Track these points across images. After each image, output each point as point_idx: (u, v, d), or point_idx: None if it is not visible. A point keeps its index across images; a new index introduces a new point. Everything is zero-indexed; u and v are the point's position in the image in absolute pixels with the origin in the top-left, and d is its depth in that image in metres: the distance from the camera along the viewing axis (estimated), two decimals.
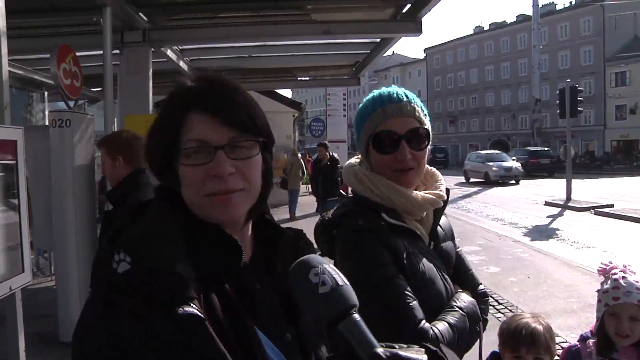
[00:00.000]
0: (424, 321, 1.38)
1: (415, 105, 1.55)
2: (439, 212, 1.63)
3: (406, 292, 1.40)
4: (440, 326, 1.39)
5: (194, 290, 0.78)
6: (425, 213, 1.58)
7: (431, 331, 1.36)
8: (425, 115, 1.58)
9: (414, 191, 1.54)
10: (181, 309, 0.75)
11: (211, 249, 0.86)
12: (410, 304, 1.39)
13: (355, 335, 0.82)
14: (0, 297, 2.82)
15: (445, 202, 1.64)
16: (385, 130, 1.52)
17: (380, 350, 0.80)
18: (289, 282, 0.89)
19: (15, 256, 2.96)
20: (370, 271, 1.43)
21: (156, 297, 0.75)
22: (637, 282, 2.03)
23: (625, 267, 2.11)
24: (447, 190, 1.66)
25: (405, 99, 1.54)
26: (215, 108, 0.90)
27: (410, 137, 1.51)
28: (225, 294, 0.84)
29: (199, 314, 0.76)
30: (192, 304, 0.76)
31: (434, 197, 1.57)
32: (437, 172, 1.70)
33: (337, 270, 0.90)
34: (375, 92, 1.61)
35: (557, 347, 5.24)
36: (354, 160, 1.71)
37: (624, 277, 2.04)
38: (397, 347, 0.85)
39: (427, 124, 1.57)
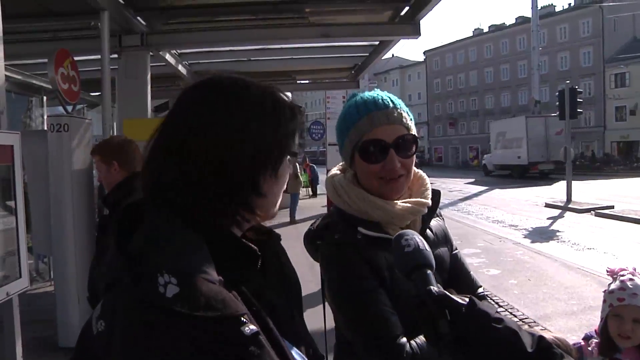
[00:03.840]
0: (401, 336, 1.33)
1: (402, 111, 1.50)
2: (428, 216, 1.59)
3: (384, 306, 1.37)
4: (420, 341, 1.34)
5: (242, 304, 0.76)
6: (410, 220, 1.53)
7: (407, 347, 1.32)
8: (411, 119, 1.53)
9: (394, 201, 1.50)
10: (247, 328, 0.71)
11: (230, 257, 0.83)
12: (387, 319, 1.36)
13: (422, 282, 1.09)
14: None
15: (435, 206, 1.61)
16: (373, 139, 1.47)
17: (433, 288, 1.08)
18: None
19: (12, 261, 2.95)
20: (348, 285, 1.41)
21: (215, 318, 0.70)
22: None
23: (635, 269, 2.10)
24: (438, 193, 1.63)
25: (391, 105, 1.49)
26: None
27: (398, 145, 1.46)
28: (250, 302, 0.81)
29: (257, 328, 0.73)
30: (244, 319, 0.73)
31: (414, 205, 1.51)
32: (425, 177, 1.65)
33: (423, 240, 1.17)
34: (358, 97, 1.55)
35: None
36: (336, 169, 1.67)
37: (631, 279, 2.03)
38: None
39: (414, 130, 1.52)
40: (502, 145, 35.54)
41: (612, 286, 2.07)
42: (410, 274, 1.12)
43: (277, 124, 0.91)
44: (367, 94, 1.54)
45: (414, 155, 1.52)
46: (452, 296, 1.08)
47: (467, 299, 1.09)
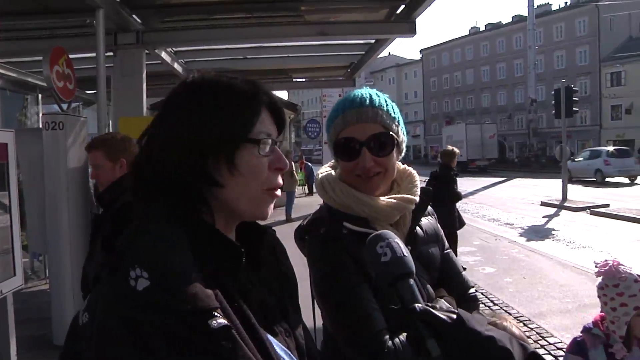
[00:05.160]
0: (383, 332, 1.32)
1: (379, 110, 1.49)
2: (418, 213, 1.58)
3: (367, 302, 1.36)
4: (403, 337, 1.31)
5: (215, 299, 0.76)
6: (398, 217, 1.53)
7: (389, 343, 1.29)
8: (394, 118, 1.51)
9: (380, 197, 1.50)
10: (215, 321, 0.72)
11: (213, 253, 0.84)
12: (370, 314, 1.34)
13: (405, 294, 1.07)
14: None
15: (425, 204, 1.61)
16: (346, 137, 1.48)
17: (417, 305, 1.06)
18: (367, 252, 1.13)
19: (6, 260, 2.95)
20: (331, 280, 1.41)
21: (184, 312, 0.71)
22: None
23: (619, 263, 2.16)
24: (429, 191, 1.63)
25: (367, 103, 1.49)
26: (276, 108, 0.98)
27: (371, 143, 1.46)
28: (232, 298, 0.82)
29: (228, 323, 0.74)
30: (216, 314, 0.74)
31: (400, 201, 1.51)
32: (414, 173, 1.65)
33: (400, 243, 1.13)
34: (340, 98, 1.57)
35: (552, 347, 5.22)
36: (327, 166, 1.68)
37: (632, 275, 2.10)
38: (437, 306, 1.14)
39: (395, 128, 1.51)
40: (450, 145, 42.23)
41: (630, 290, 2.09)
42: (391, 285, 1.10)
43: (220, 110, 0.90)
44: (351, 93, 1.55)
45: (392, 154, 1.50)
46: (438, 313, 1.06)
47: (455, 316, 1.08)
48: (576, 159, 28.29)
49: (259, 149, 0.91)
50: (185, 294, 0.73)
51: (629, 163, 26.22)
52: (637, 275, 2.11)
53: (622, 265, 2.15)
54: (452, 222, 7.66)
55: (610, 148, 27.51)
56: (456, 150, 8.22)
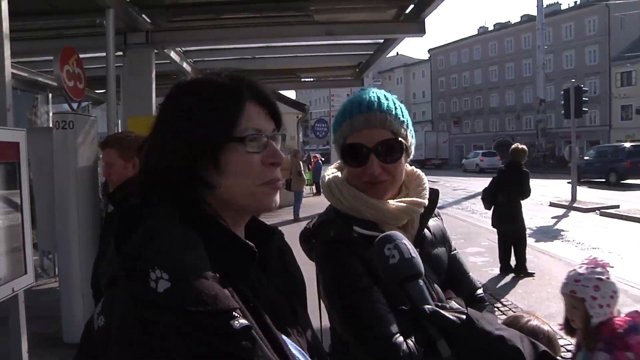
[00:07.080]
0: (397, 335, 1.29)
1: (388, 115, 1.45)
2: (425, 216, 1.56)
3: (379, 304, 1.34)
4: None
5: (233, 299, 0.76)
6: (406, 220, 1.51)
7: (404, 346, 1.27)
8: (403, 122, 1.48)
9: (388, 201, 1.48)
10: (237, 322, 0.72)
11: (226, 253, 0.84)
12: (383, 317, 1.32)
13: (414, 295, 1.09)
14: (3, 298, 2.83)
15: (433, 206, 1.59)
16: (353, 143, 1.46)
17: (427, 307, 1.07)
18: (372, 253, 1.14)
19: (17, 257, 2.97)
20: (341, 284, 1.39)
21: (206, 313, 0.71)
22: (583, 274, 2.22)
23: (598, 261, 2.28)
24: (436, 192, 1.61)
25: (375, 107, 1.45)
26: (267, 100, 0.96)
27: (379, 149, 1.43)
28: (246, 298, 0.82)
29: (248, 323, 0.74)
30: (236, 314, 0.74)
31: (409, 205, 1.48)
32: (422, 176, 1.62)
33: (408, 244, 1.14)
34: (348, 99, 1.54)
35: (562, 349, 5.18)
36: (333, 167, 1.66)
37: (573, 271, 2.26)
38: (447, 306, 1.15)
39: (404, 133, 1.48)
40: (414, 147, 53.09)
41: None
42: (400, 287, 1.09)
43: (200, 111, 0.89)
44: (357, 95, 1.52)
45: (400, 160, 1.48)
46: (447, 314, 1.07)
47: (465, 316, 1.08)
48: (467, 157, 45.18)
49: (245, 146, 0.89)
50: (207, 295, 0.72)
51: (494, 160, 38.61)
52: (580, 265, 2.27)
53: (600, 267, 2.26)
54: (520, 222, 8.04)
55: (484, 150, 42.08)
56: (525, 147, 8.21)
